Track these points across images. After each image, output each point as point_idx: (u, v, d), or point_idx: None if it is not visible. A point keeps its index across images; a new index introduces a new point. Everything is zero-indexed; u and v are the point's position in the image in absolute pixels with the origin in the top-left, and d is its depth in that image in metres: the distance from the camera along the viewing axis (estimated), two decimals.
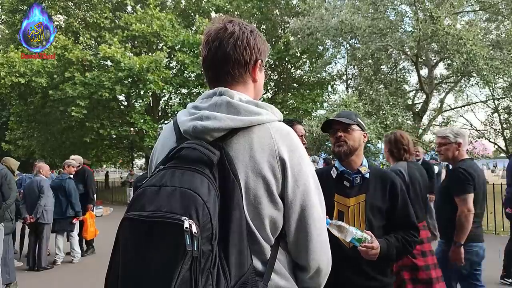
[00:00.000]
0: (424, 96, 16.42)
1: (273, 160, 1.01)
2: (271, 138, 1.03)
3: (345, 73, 20.03)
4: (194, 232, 0.81)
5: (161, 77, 14.41)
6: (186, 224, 0.81)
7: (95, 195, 7.54)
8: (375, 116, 13.51)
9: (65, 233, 6.51)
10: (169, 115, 18.15)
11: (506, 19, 14.90)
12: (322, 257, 1.09)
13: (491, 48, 13.24)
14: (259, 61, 1.14)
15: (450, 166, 3.04)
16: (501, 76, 13.22)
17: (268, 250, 1.03)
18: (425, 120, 16.89)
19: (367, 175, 1.91)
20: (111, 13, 17.20)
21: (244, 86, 1.12)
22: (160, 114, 18.69)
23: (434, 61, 17.00)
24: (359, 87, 15.90)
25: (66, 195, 6.33)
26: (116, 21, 17.07)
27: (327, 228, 1.55)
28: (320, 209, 1.09)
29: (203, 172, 0.92)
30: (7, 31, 18.42)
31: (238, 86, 1.11)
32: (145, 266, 0.84)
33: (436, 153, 16.03)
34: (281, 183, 1.02)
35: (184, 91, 16.98)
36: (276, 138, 1.03)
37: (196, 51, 15.02)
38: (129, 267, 0.86)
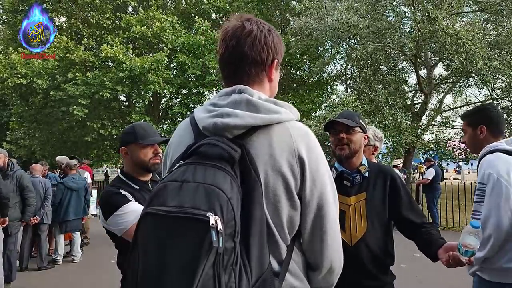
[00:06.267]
0: (423, 97, 16.46)
1: (292, 159, 1.01)
2: (290, 137, 1.03)
3: (344, 73, 20.06)
4: (220, 229, 0.80)
5: (161, 78, 14.43)
6: (212, 221, 0.80)
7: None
8: (374, 116, 13.54)
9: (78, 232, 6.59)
10: (170, 115, 18.15)
11: (505, 20, 14.92)
12: (335, 256, 1.10)
13: (490, 48, 13.26)
14: (276, 60, 1.13)
15: None
16: (500, 76, 13.24)
17: (284, 249, 1.03)
18: (424, 120, 16.93)
19: (367, 174, 1.92)
20: (112, 14, 17.22)
21: (260, 85, 1.12)
22: (160, 115, 18.68)
23: (433, 61, 17.04)
24: (358, 88, 15.93)
25: (85, 195, 6.50)
26: (117, 21, 17.09)
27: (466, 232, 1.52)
28: (335, 208, 1.09)
29: (225, 169, 0.91)
30: (8, 32, 18.42)
31: (254, 85, 1.10)
32: (167, 262, 0.82)
33: (434, 153, 15.95)
34: (299, 182, 1.02)
35: (184, 91, 16.99)
36: (295, 137, 1.03)
37: (196, 53, 15.05)
38: (150, 263, 0.85)
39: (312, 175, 1.03)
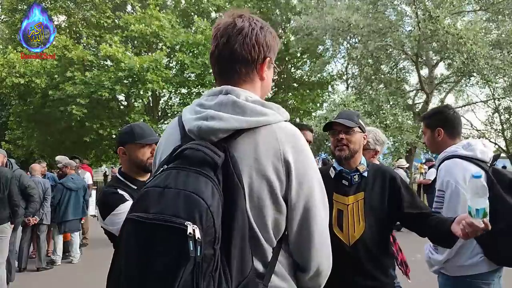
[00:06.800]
0: (425, 96, 16.42)
1: (278, 162, 1.00)
2: (276, 139, 1.01)
3: (345, 73, 20.04)
4: (198, 238, 0.81)
5: (161, 77, 14.40)
6: (189, 230, 0.80)
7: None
8: (375, 116, 13.51)
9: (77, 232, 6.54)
10: (169, 115, 18.13)
11: (506, 19, 14.87)
12: (323, 259, 1.09)
13: (491, 47, 13.23)
14: (268, 58, 1.10)
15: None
16: (501, 76, 13.21)
17: (270, 252, 1.03)
18: None
19: (366, 174, 1.91)
20: (111, 13, 17.20)
21: (251, 84, 1.10)
22: (159, 114, 18.65)
23: (435, 61, 17.00)
24: (359, 87, 15.91)
25: (84, 195, 6.46)
26: (116, 21, 17.07)
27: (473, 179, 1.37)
28: (324, 211, 1.08)
29: (208, 175, 0.90)
30: (6, 31, 18.41)
31: (245, 84, 1.08)
32: (147, 268, 0.83)
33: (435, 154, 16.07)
34: (285, 185, 1.01)
35: (184, 91, 16.96)
36: (281, 139, 1.01)
37: (195, 52, 15.01)
38: (130, 269, 0.86)
39: (298, 178, 1.02)
